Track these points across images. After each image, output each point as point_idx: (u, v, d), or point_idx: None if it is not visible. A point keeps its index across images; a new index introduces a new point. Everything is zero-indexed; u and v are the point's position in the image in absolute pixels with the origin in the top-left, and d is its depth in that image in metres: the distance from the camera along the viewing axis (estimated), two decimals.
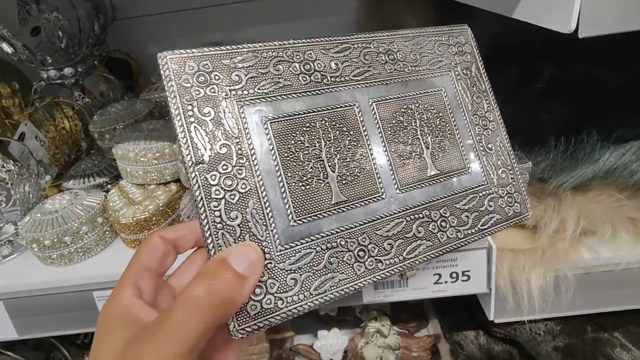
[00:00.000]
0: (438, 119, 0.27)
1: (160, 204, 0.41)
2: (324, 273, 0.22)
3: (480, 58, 0.30)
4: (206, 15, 0.79)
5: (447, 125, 0.27)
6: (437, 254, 0.25)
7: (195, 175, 0.21)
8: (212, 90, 0.22)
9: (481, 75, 0.30)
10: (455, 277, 0.39)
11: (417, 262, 0.24)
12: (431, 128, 0.27)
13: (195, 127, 0.21)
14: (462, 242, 0.25)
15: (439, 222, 0.25)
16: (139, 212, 0.40)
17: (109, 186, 0.48)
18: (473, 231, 0.26)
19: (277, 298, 0.20)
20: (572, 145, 0.35)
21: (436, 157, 0.26)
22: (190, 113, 0.21)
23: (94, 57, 0.71)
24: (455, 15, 0.42)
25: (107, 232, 0.43)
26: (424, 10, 0.53)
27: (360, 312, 0.67)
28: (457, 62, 0.29)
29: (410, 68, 0.28)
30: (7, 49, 0.57)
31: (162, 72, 0.21)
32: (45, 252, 0.41)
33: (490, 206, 0.26)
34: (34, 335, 0.45)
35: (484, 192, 0.26)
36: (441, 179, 0.26)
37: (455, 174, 0.26)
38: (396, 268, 0.23)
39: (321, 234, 0.22)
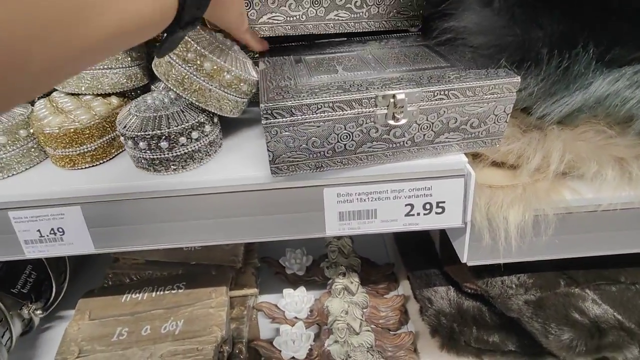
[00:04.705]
0: None
1: (96, 116, 0.35)
2: None
3: None
4: None
5: None
6: None
7: None
8: None
9: None
10: (428, 209, 0.35)
11: None
12: None
13: None
14: None
15: None
16: (67, 122, 0.34)
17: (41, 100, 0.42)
18: None
19: None
20: (565, 61, 0.32)
21: None
22: None
23: None
24: None
25: (32, 150, 0.37)
26: None
27: (328, 267, 0.63)
28: None
29: None
30: None
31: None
32: None
33: None
34: None
35: None
36: None
37: None
38: None
39: None
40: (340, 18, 0.40)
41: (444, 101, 0.32)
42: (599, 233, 0.38)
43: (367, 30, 0.42)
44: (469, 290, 0.53)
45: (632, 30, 0.32)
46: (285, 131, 0.30)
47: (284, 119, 0.30)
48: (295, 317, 0.61)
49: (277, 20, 0.38)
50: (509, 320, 0.49)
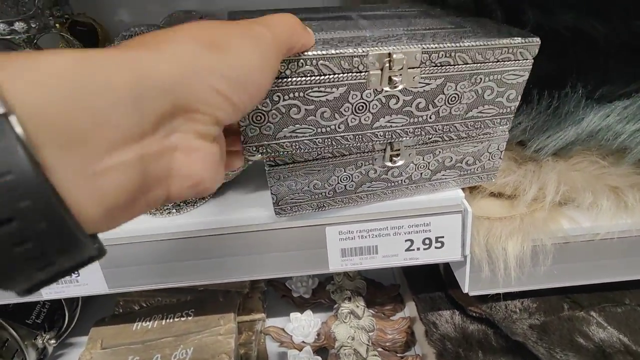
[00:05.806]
0: None
1: None
2: None
3: None
4: None
5: None
6: None
7: None
8: None
9: None
10: (428, 244, 0.36)
11: None
12: None
13: None
14: None
15: None
16: None
17: None
18: None
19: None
20: (555, 101, 0.33)
21: None
22: None
23: (55, 19, 0.65)
24: None
25: None
26: None
27: (334, 292, 0.64)
28: None
29: None
30: None
31: None
32: None
33: None
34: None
35: None
36: None
37: None
38: None
39: None
40: (394, 124, 0.30)
41: (439, 143, 0.33)
42: (597, 262, 0.39)
43: (428, 136, 0.32)
44: (474, 314, 0.53)
45: (619, 67, 0.34)
46: (288, 176, 0.32)
47: (286, 165, 0.31)
48: (303, 342, 0.62)
49: (303, 133, 0.29)
50: (515, 344, 0.49)
